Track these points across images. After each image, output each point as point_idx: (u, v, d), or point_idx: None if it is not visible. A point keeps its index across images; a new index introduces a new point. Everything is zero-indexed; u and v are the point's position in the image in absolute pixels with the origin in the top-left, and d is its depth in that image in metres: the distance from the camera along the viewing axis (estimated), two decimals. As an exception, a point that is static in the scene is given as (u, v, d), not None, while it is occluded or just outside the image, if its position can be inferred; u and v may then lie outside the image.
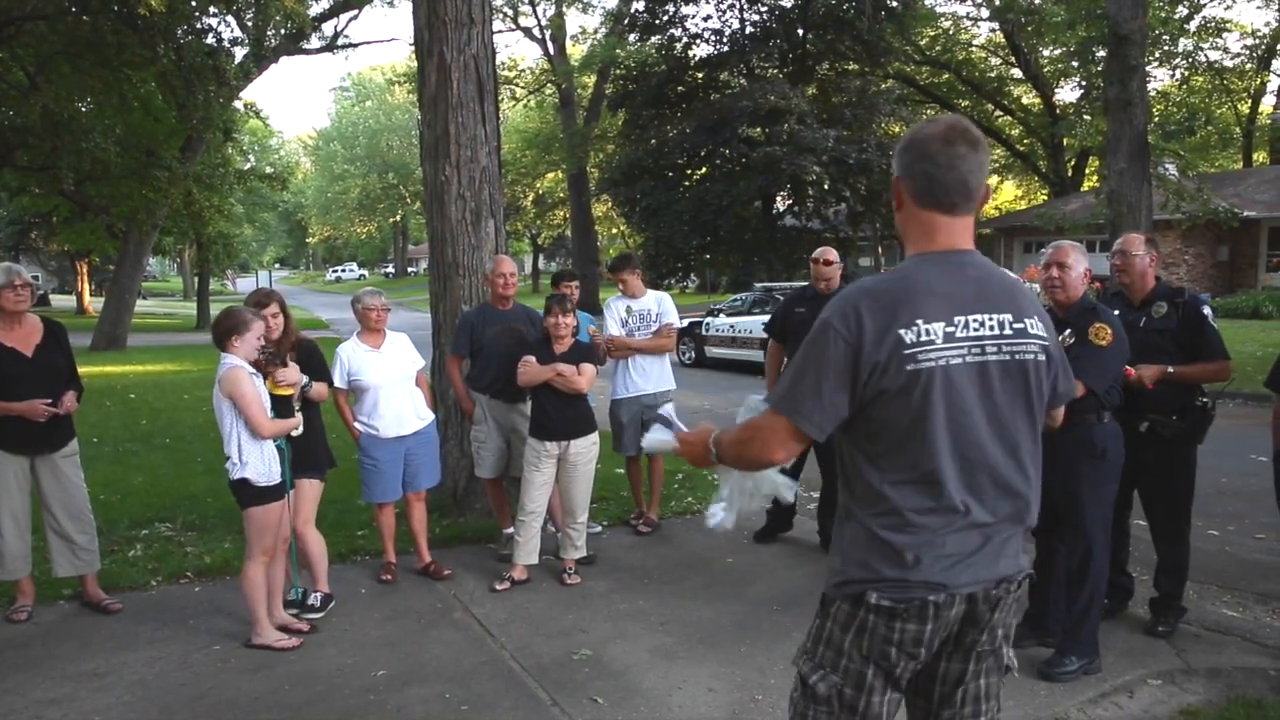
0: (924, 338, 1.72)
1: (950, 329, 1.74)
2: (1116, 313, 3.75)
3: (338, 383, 4.75)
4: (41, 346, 4.35)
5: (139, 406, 11.54)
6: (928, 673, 1.90)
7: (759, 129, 22.89)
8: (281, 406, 4.03)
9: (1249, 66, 27.83)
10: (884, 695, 1.85)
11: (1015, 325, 1.80)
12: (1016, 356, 1.80)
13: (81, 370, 4.63)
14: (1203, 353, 3.88)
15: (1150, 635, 4.00)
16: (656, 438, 2.25)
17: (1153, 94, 21.24)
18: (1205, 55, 26.08)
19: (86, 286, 37.95)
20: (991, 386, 1.78)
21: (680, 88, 26.00)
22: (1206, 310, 4.03)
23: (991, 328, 1.77)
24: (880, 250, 29.12)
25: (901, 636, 1.78)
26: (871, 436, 1.78)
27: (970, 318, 1.76)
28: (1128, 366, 3.70)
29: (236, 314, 3.93)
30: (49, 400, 4.24)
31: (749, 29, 25.05)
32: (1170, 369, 3.82)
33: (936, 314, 1.74)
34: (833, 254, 5.41)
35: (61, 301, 40.11)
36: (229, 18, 19.42)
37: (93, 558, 4.55)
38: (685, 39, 25.85)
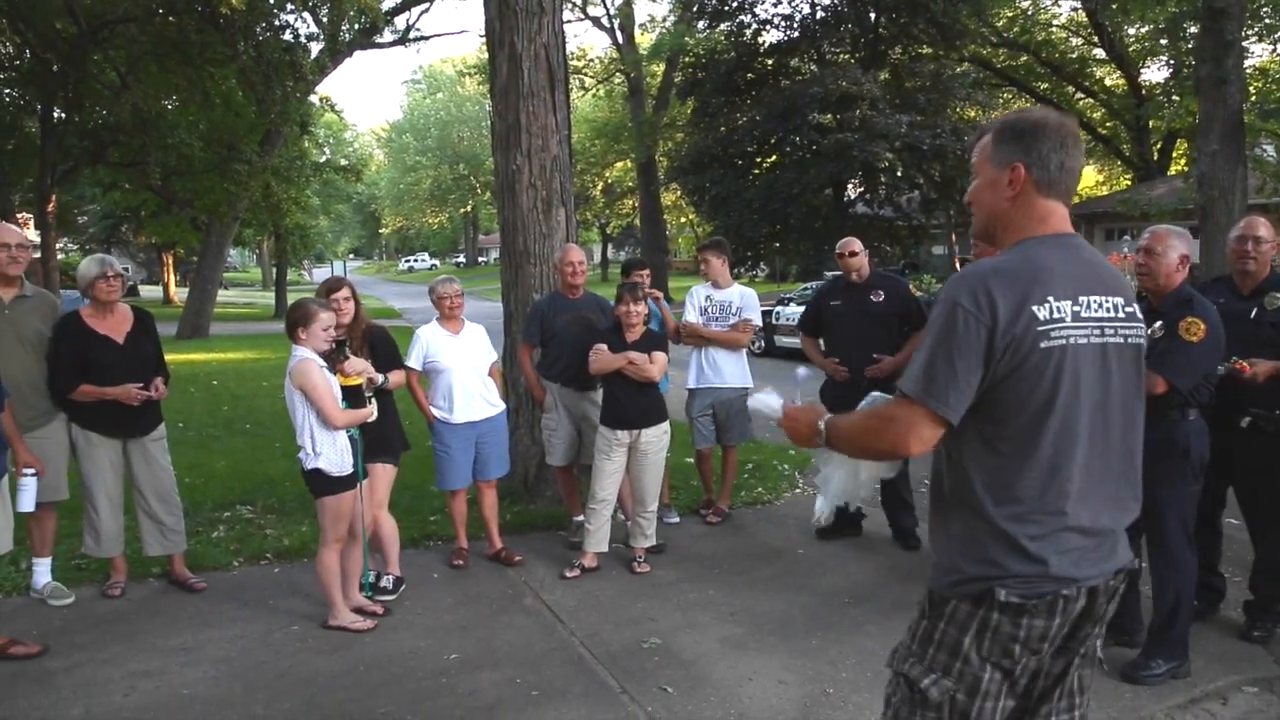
0: (1055, 315, 1.70)
1: (1077, 308, 1.73)
2: (1221, 301, 3.56)
3: (413, 363, 4.82)
4: (132, 334, 4.52)
5: (221, 393, 11.93)
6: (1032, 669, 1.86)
7: (830, 115, 22.46)
8: (352, 397, 4.08)
9: (1358, 38, 26.22)
10: (998, 702, 1.79)
11: (1127, 309, 1.80)
12: (1130, 340, 1.80)
13: (167, 358, 4.78)
14: None
15: (1245, 640, 3.82)
16: (765, 400, 2.19)
17: (1249, 70, 20.14)
18: (1313, 27, 24.63)
19: (172, 277, 39.39)
20: (1110, 369, 1.77)
21: (750, 75, 25.65)
22: None
23: (1109, 309, 1.77)
24: (953, 238, 28.39)
25: (1028, 633, 1.73)
26: (998, 420, 1.73)
27: (1092, 299, 1.75)
28: (1242, 361, 3.50)
29: (303, 306, 4.00)
30: (141, 385, 4.41)
31: (819, 14, 24.58)
32: None
33: (1065, 292, 1.73)
34: (856, 244, 5.21)
35: (149, 292, 41.70)
36: (305, 14, 19.95)
37: (180, 538, 4.72)
38: (754, 25, 25.48)
